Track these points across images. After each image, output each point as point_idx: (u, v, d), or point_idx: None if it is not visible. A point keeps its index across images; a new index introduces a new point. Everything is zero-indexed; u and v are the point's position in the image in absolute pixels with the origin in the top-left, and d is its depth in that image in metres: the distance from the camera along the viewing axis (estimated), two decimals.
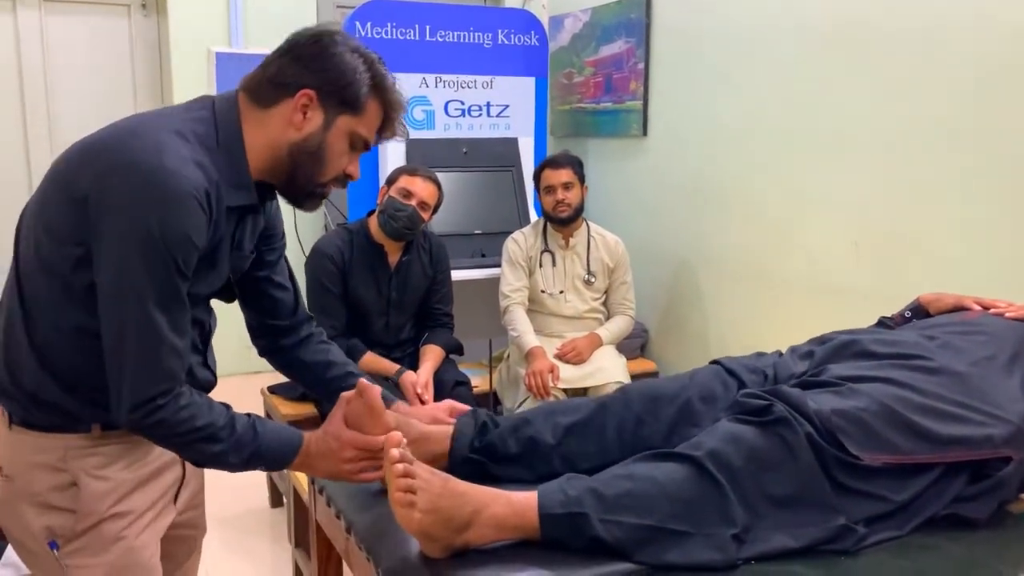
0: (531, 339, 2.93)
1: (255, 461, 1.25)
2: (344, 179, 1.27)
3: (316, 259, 2.62)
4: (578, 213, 3.02)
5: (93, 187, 1.11)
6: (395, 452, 1.20)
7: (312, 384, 1.49)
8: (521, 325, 2.97)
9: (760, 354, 1.72)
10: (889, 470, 1.34)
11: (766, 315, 3.04)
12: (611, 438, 1.46)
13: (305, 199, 1.26)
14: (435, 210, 2.67)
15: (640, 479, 1.27)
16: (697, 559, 1.21)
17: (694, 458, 1.28)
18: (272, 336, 1.46)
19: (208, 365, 1.36)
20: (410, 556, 1.24)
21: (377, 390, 1.33)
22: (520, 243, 3.08)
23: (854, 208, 2.68)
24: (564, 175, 2.97)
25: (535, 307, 3.10)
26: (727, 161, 3.19)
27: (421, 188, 2.58)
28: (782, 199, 2.95)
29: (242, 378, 3.19)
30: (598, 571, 1.20)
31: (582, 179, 3.03)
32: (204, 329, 1.33)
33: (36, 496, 1.22)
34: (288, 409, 2.70)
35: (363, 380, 1.36)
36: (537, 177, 3.05)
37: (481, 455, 1.45)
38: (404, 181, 2.59)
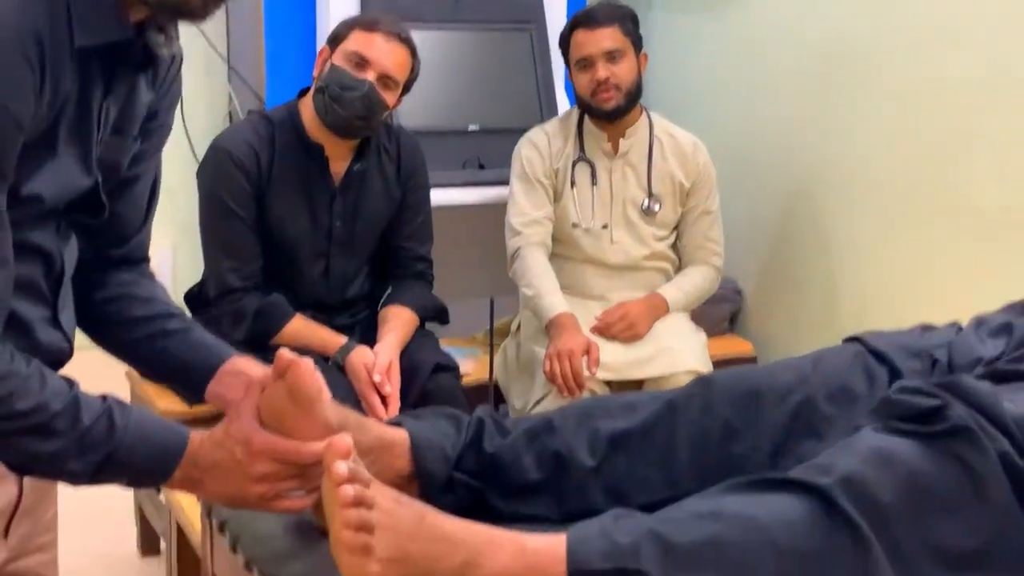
0: (556, 301, 2.94)
1: (109, 471, 1.28)
2: None
3: (216, 166, 2.64)
4: (632, 100, 3.04)
5: None
6: (341, 467, 1.20)
7: (105, 335, 1.53)
8: (540, 280, 2.98)
9: (927, 328, 1.72)
10: None
11: (935, 268, 3.04)
12: (684, 458, 1.48)
13: None
14: (406, 89, 2.67)
15: (731, 520, 1.28)
16: None
17: (818, 488, 1.28)
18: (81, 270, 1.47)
19: (60, 325, 1.37)
20: None
21: (308, 365, 1.35)
22: (541, 148, 3.09)
23: None
24: (606, 38, 2.97)
25: (563, 250, 3.12)
26: (877, 15, 3.16)
27: (384, 53, 2.59)
28: (970, 82, 2.91)
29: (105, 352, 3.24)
30: None
31: (637, 44, 3.03)
32: (54, 265, 1.34)
33: None
34: (169, 403, 2.73)
35: (286, 351, 1.38)
36: (565, 44, 3.05)
37: (477, 477, 1.47)
38: (356, 40, 2.59)
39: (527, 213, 3.04)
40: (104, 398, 1.29)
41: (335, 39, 2.63)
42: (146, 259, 1.58)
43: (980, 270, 2.89)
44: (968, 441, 1.31)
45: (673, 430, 1.49)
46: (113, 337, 1.55)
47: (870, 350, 1.62)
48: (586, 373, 2.80)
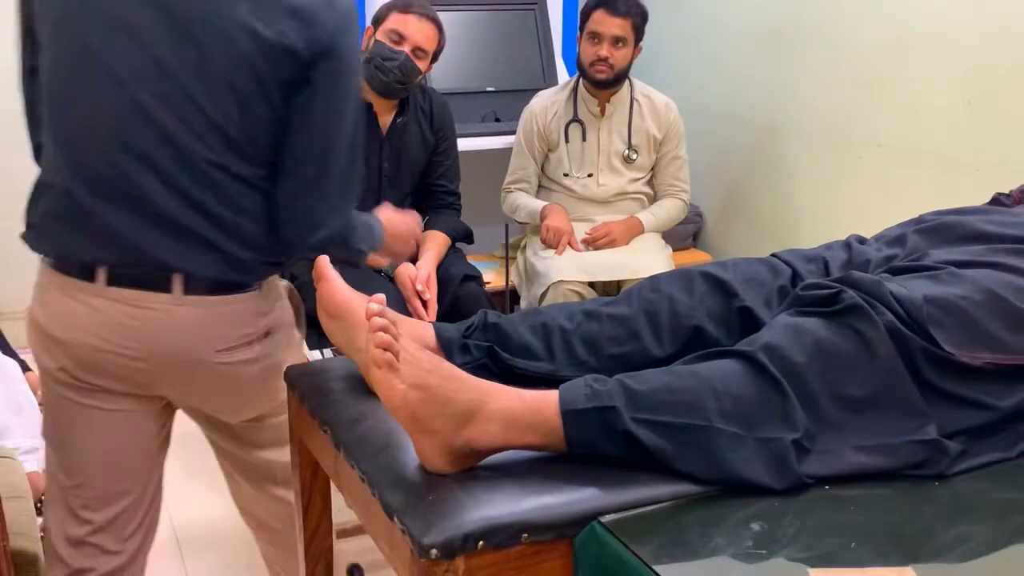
0: (542, 203, 3.05)
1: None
2: None
3: None
4: (620, 79, 2.98)
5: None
6: (373, 307, 1.21)
7: None
8: (525, 199, 3.08)
9: (829, 245, 1.72)
10: (993, 372, 1.35)
11: (854, 193, 3.03)
12: (640, 319, 1.50)
13: None
14: (435, 58, 2.65)
15: (679, 373, 1.30)
16: (749, 473, 1.23)
17: (745, 353, 1.31)
18: None
19: None
20: (413, 474, 1.25)
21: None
22: (538, 115, 3.05)
23: (967, 55, 2.64)
24: (618, 27, 2.89)
25: (558, 188, 3.10)
26: None
27: (416, 30, 2.56)
28: (875, 44, 2.90)
29: None
30: (640, 494, 1.23)
31: (639, 37, 2.95)
32: None
33: (292, 320, 1.70)
34: None
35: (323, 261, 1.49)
36: (586, 14, 2.95)
37: (486, 341, 1.49)
38: (394, 21, 2.57)
39: (515, 172, 3.10)
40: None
41: (377, 20, 2.60)
42: None
43: (887, 194, 2.88)
44: (860, 315, 1.32)
45: (630, 303, 1.52)
46: None
47: (776, 257, 1.65)
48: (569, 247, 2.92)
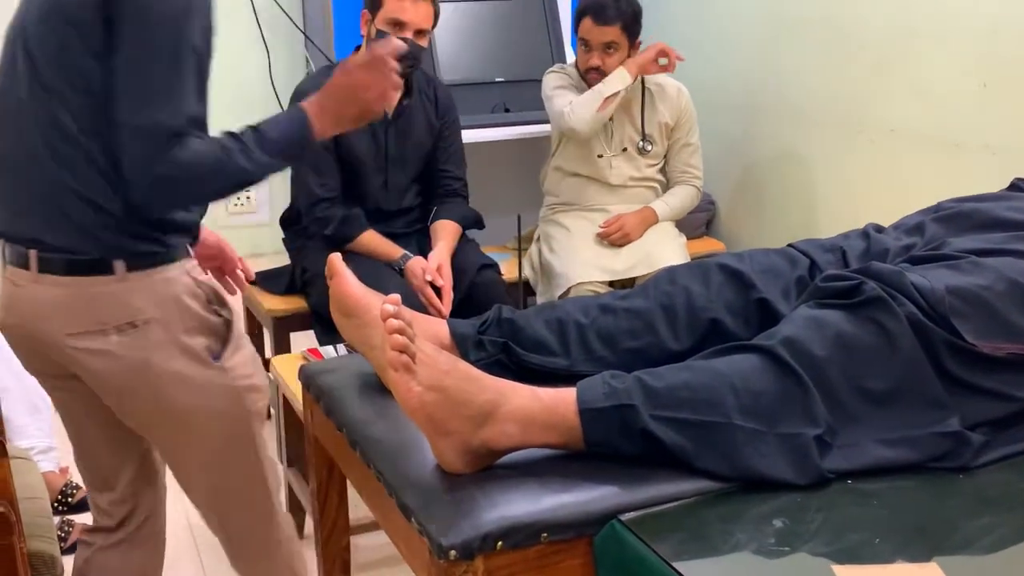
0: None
1: (274, 160, 1.43)
2: None
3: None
4: None
5: None
6: (389, 308, 1.20)
7: None
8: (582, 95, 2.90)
9: (847, 235, 1.70)
10: (1016, 362, 1.34)
11: (867, 180, 3.01)
12: (657, 312, 1.48)
13: None
14: (433, 25, 2.59)
15: (698, 370, 1.29)
16: (770, 470, 1.22)
17: (765, 347, 1.29)
18: None
19: None
20: (430, 474, 1.25)
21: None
22: (566, 74, 2.99)
23: (981, 37, 2.61)
24: (608, 35, 2.84)
25: (572, 167, 3.05)
26: None
27: (413, 13, 2.51)
28: (887, 28, 2.87)
29: None
30: (659, 491, 1.22)
31: (634, 37, 2.89)
32: None
33: (189, 325, 1.45)
34: (273, 303, 2.75)
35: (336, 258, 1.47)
36: (578, 17, 2.91)
37: (501, 336, 1.47)
38: (391, 7, 2.50)
39: (567, 97, 2.89)
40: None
41: (373, 5, 2.52)
42: None
43: (900, 180, 2.86)
44: (881, 307, 1.31)
45: (646, 296, 1.51)
46: None
47: (793, 247, 1.63)
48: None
